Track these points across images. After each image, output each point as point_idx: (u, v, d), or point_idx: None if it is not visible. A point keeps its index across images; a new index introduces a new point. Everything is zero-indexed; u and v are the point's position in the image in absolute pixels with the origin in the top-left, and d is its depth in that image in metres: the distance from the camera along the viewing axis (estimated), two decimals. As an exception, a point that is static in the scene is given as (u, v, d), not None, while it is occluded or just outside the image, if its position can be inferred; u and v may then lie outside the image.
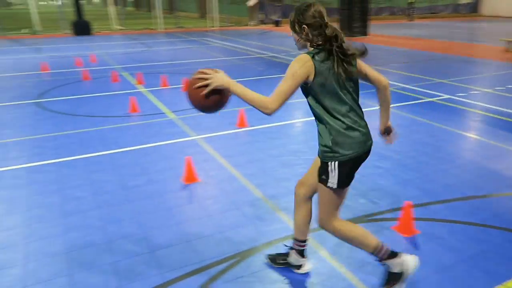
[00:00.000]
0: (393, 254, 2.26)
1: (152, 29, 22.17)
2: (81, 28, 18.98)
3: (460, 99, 6.96)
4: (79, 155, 4.64)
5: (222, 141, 5.09)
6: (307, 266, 2.60)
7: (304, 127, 5.65)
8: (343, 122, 2.04)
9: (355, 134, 2.06)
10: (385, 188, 3.78)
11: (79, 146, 4.91)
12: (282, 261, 2.64)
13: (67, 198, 3.66)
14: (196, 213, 3.38)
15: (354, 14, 17.01)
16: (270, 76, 9.22)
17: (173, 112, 6.36)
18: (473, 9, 34.81)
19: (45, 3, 58.31)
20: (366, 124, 2.16)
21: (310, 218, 2.47)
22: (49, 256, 2.84)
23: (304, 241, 2.53)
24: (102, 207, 3.50)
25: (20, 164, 4.41)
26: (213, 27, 23.36)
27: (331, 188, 2.13)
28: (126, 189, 3.81)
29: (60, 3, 20.80)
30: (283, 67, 10.44)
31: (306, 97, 2.10)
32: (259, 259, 2.76)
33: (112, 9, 22.66)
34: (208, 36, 18.73)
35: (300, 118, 6.05)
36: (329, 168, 2.08)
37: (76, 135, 5.30)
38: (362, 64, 2.20)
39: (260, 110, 1.97)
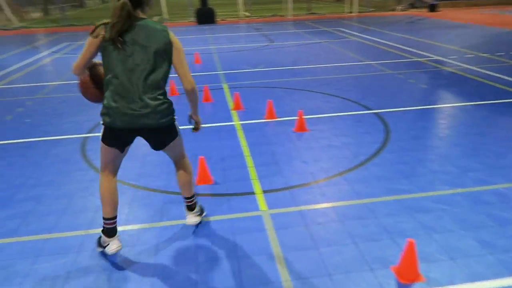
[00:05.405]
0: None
1: (281, 15, 19.62)
2: (204, 16, 17.44)
3: None
4: None
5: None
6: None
7: None
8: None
9: None
10: None
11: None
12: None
13: None
14: None
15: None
16: (459, 104, 5.69)
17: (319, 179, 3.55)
18: None
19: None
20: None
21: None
22: None
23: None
24: None
25: None
26: (350, 12, 19.73)
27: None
28: None
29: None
30: (458, 81, 6.68)
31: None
32: None
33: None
34: (344, 26, 15.31)
35: None
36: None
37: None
38: None
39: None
